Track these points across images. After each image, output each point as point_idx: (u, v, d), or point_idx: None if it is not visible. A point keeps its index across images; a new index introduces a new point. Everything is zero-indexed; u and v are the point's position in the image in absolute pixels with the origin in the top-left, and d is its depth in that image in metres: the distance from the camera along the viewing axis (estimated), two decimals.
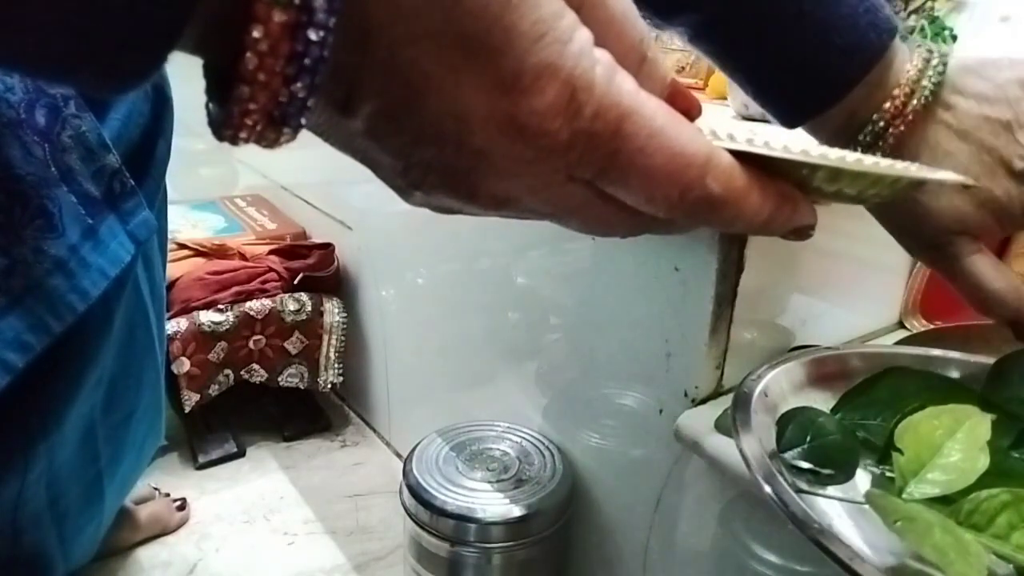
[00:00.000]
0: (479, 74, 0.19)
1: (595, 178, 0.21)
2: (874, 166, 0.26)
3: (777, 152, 0.23)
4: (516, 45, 0.18)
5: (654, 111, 0.21)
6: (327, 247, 1.08)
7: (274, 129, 0.18)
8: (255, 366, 1.02)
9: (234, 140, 0.18)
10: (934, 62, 0.40)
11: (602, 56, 0.20)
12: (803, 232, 0.25)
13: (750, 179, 0.22)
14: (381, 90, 0.19)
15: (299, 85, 0.18)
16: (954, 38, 0.76)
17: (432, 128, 0.20)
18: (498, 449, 0.73)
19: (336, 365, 1.06)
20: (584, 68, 0.19)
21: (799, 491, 0.35)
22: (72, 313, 0.45)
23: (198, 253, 1.05)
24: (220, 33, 0.17)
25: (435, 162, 0.21)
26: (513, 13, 0.18)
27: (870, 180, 0.24)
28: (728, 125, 0.28)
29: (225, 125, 0.18)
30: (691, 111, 0.24)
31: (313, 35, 0.17)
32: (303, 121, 0.19)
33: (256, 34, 0.16)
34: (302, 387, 1.06)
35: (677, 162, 0.21)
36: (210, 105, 0.18)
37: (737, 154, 0.22)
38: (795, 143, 0.29)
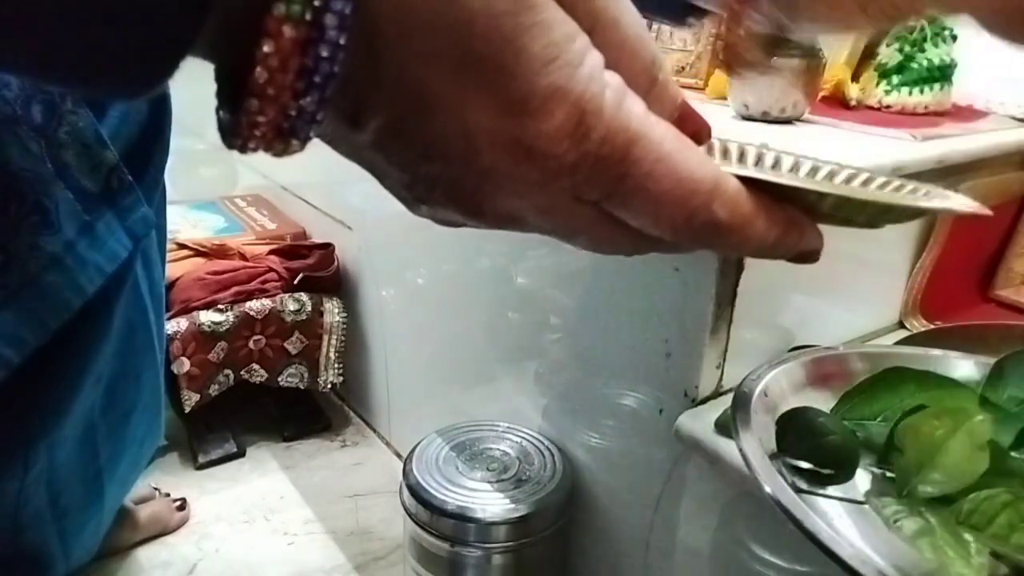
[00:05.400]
0: (488, 95, 0.19)
1: (601, 200, 0.21)
2: (882, 194, 0.26)
3: (784, 179, 0.22)
4: (526, 68, 0.18)
5: (662, 136, 0.21)
6: (327, 247, 1.08)
7: (282, 140, 0.19)
8: (255, 366, 1.02)
9: (243, 149, 0.18)
10: None
11: (612, 79, 0.20)
12: (810, 256, 0.25)
13: (756, 205, 0.22)
14: (390, 105, 0.19)
15: (308, 100, 0.18)
16: (954, 38, 0.76)
17: (439, 145, 0.20)
18: (498, 449, 0.73)
19: (336, 365, 1.06)
20: (593, 92, 0.19)
21: (799, 491, 0.35)
22: (68, 309, 0.45)
23: (198, 253, 1.05)
24: (231, 45, 0.17)
25: (441, 178, 0.21)
26: (525, 35, 0.18)
27: (879, 207, 0.24)
28: (740, 137, 0.27)
29: (234, 134, 0.18)
30: (700, 133, 0.24)
31: (324, 51, 0.17)
32: (311, 134, 0.19)
33: (267, 49, 0.16)
34: (302, 387, 1.06)
35: (684, 187, 0.21)
36: (220, 112, 0.18)
37: (745, 179, 0.22)
38: (806, 160, 0.29)
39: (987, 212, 0.25)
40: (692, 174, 0.21)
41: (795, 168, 0.28)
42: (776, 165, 0.28)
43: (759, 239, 0.23)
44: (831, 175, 0.28)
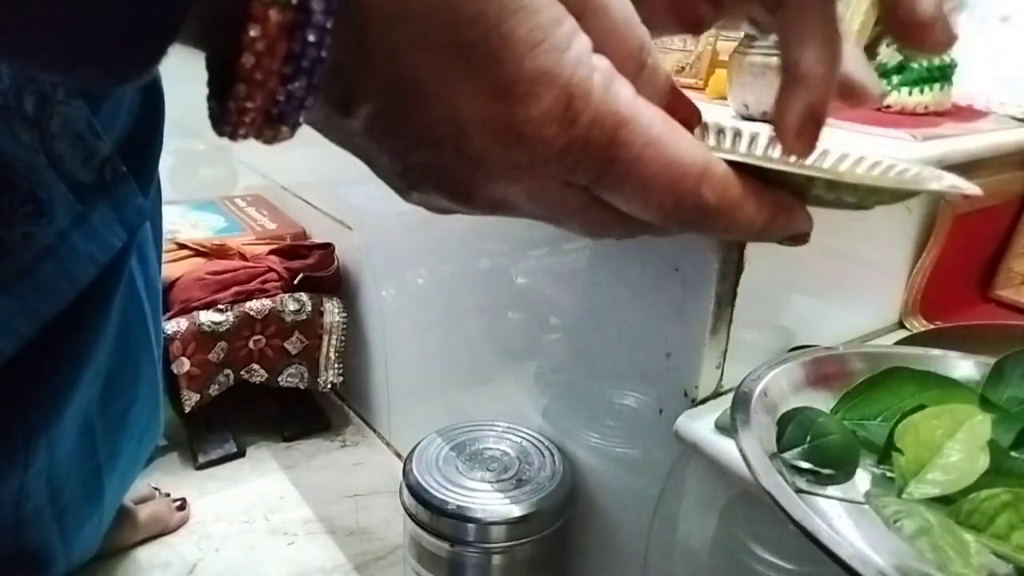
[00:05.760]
0: (476, 80, 0.19)
1: (591, 184, 0.22)
2: (871, 176, 0.26)
3: (773, 163, 0.23)
4: (513, 52, 0.18)
5: (651, 119, 0.21)
6: (327, 247, 1.08)
7: (272, 127, 0.19)
8: (255, 366, 1.02)
9: (233, 136, 0.19)
10: None
11: (600, 63, 0.20)
12: (799, 239, 0.25)
13: (745, 189, 0.22)
14: (379, 92, 0.19)
15: (296, 85, 0.18)
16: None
17: (430, 131, 0.20)
18: (498, 449, 0.73)
19: (336, 365, 1.06)
20: (581, 76, 0.19)
21: (799, 491, 0.35)
22: (62, 300, 0.45)
23: (198, 253, 1.05)
24: (219, 30, 0.17)
25: (432, 165, 0.21)
26: (511, 20, 0.18)
27: (868, 189, 0.24)
28: (733, 121, 0.27)
29: (223, 121, 0.18)
30: (691, 118, 0.24)
31: (311, 36, 0.17)
32: (301, 120, 0.19)
33: (253, 33, 0.16)
34: (302, 387, 1.06)
35: (672, 171, 0.21)
36: (210, 100, 0.19)
37: (734, 163, 0.22)
38: None
39: (977, 191, 0.25)
40: (681, 158, 0.21)
41: (783, 159, 0.28)
42: (769, 147, 0.28)
43: (748, 222, 0.23)
44: (822, 156, 0.28)
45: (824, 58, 0.25)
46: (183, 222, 1.17)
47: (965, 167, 0.63)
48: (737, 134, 0.29)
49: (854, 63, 0.26)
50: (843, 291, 0.68)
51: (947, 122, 0.72)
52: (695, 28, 0.26)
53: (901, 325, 0.71)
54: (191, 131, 1.24)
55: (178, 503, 0.91)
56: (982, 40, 0.79)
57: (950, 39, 0.25)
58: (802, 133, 0.25)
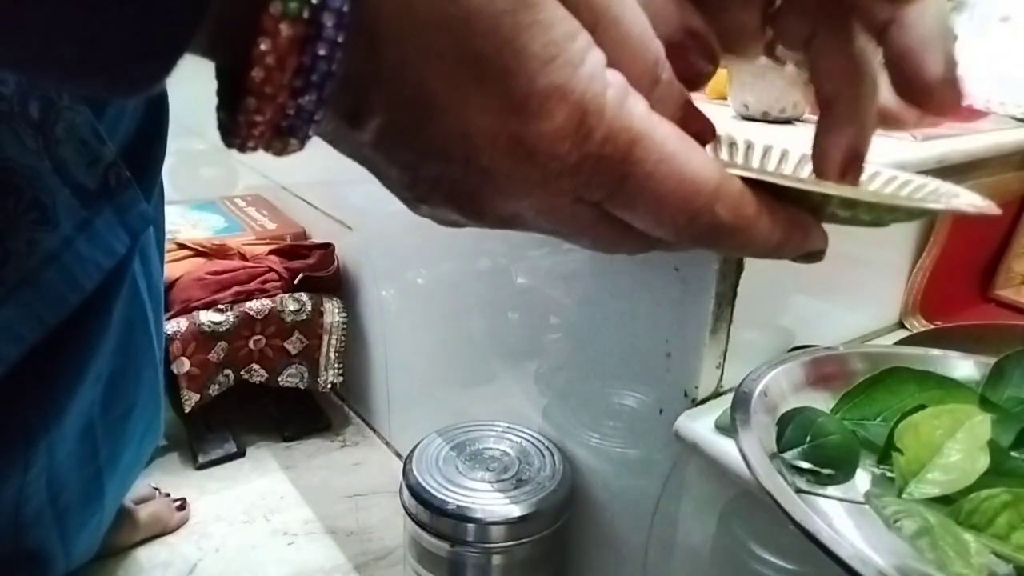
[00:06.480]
0: (488, 94, 0.19)
1: (603, 201, 0.21)
2: (888, 195, 0.26)
3: (789, 181, 0.22)
4: (526, 67, 0.18)
5: (665, 136, 0.20)
6: (327, 247, 1.08)
7: (281, 139, 0.18)
8: (255, 366, 1.02)
9: (242, 148, 0.18)
10: None
11: (614, 79, 0.20)
12: (815, 256, 0.25)
13: (760, 206, 0.22)
14: (390, 104, 0.19)
15: (306, 99, 0.18)
16: (954, 38, 0.76)
17: (440, 145, 0.20)
18: (498, 449, 0.73)
19: (336, 365, 1.06)
20: (595, 92, 0.19)
21: (799, 491, 0.35)
22: (66, 306, 0.45)
23: (198, 253, 1.05)
24: (229, 43, 0.17)
25: (442, 179, 0.21)
26: (524, 34, 0.18)
27: (887, 207, 0.23)
28: (745, 132, 0.27)
29: (232, 133, 0.18)
30: (704, 133, 0.24)
31: (321, 50, 0.17)
32: (310, 133, 0.19)
33: (263, 47, 0.16)
34: (302, 387, 1.06)
35: (686, 188, 0.21)
36: (219, 110, 0.18)
37: (749, 179, 0.22)
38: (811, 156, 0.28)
39: (996, 211, 0.25)
40: (695, 175, 0.21)
41: (801, 163, 0.28)
42: (782, 160, 0.28)
43: (762, 240, 0.22)
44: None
45: (860, 95, 0.24)
46: (183, 222, 1.17)
47: (965, 167, 0.63)
48: (749, 146, 0.28)
49: (888, 89, 0.26)
50: (843, 291, 0.68)
51: (947, 122, 0.72)
52: (692, 85, 0.25)
53: (901, 325, 0.71)
54: (191, 131, 1.24)
55: (178, 503, 0.91)
56: (982, 40, 0.79)
57: (957, 101, 0.24)
58: (846, 173, 0.25)
